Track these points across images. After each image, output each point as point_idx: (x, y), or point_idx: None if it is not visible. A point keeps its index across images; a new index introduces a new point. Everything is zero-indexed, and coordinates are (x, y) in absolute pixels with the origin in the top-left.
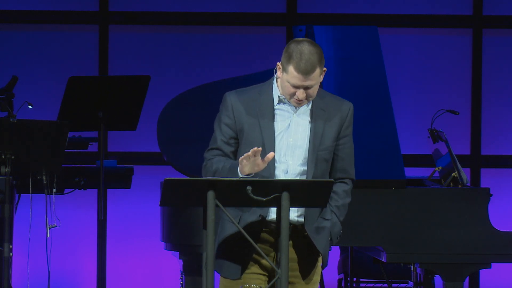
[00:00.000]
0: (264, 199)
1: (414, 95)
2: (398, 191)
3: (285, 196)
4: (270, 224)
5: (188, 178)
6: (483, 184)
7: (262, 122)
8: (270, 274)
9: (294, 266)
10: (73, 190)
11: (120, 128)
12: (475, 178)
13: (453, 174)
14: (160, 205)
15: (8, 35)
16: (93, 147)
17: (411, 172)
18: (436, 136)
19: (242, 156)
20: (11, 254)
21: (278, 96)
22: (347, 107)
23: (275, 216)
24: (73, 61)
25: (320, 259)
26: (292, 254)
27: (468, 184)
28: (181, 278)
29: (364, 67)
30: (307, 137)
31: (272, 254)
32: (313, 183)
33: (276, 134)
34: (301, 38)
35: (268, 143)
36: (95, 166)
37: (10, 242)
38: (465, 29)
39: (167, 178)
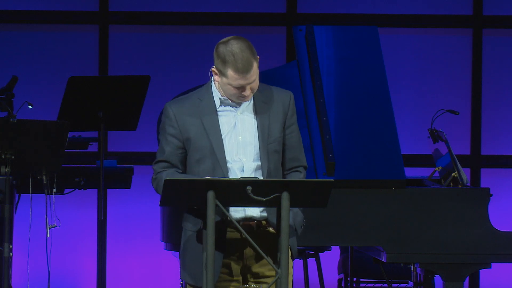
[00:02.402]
0: (264, 199)
1: (414, 95)
2: (398, 191)
3: (285, 196)
4: (234, 223)
5: (188, 178)
6: (483, 184)
7: (207, 126)
8: (243, 277)
9: (264, 261)
10: (73, 190)
11: (120, 128)
12: (475, 178)
13: (453, 174)
14: (160, 205)
15: (8, 35)
16: (93, 147)
17: (411, 172)
18: (436, 136)
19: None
20: (11, 254)
21: (219, 98)
22: (287, 96)
23: (238, 215)
24: (73, 61)
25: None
26: (260, 249)
27: (468, 184)
28: (181, 278)
29: (364, 67)
30: (255, 133)
31: (241, 253)
32: (313, 183)
33: (223, 135)
34: (226, 38)
35: (216, 146)
36: (95, 166)
37: (10, 242)
38: (465, 29)
39: (167, 178)
